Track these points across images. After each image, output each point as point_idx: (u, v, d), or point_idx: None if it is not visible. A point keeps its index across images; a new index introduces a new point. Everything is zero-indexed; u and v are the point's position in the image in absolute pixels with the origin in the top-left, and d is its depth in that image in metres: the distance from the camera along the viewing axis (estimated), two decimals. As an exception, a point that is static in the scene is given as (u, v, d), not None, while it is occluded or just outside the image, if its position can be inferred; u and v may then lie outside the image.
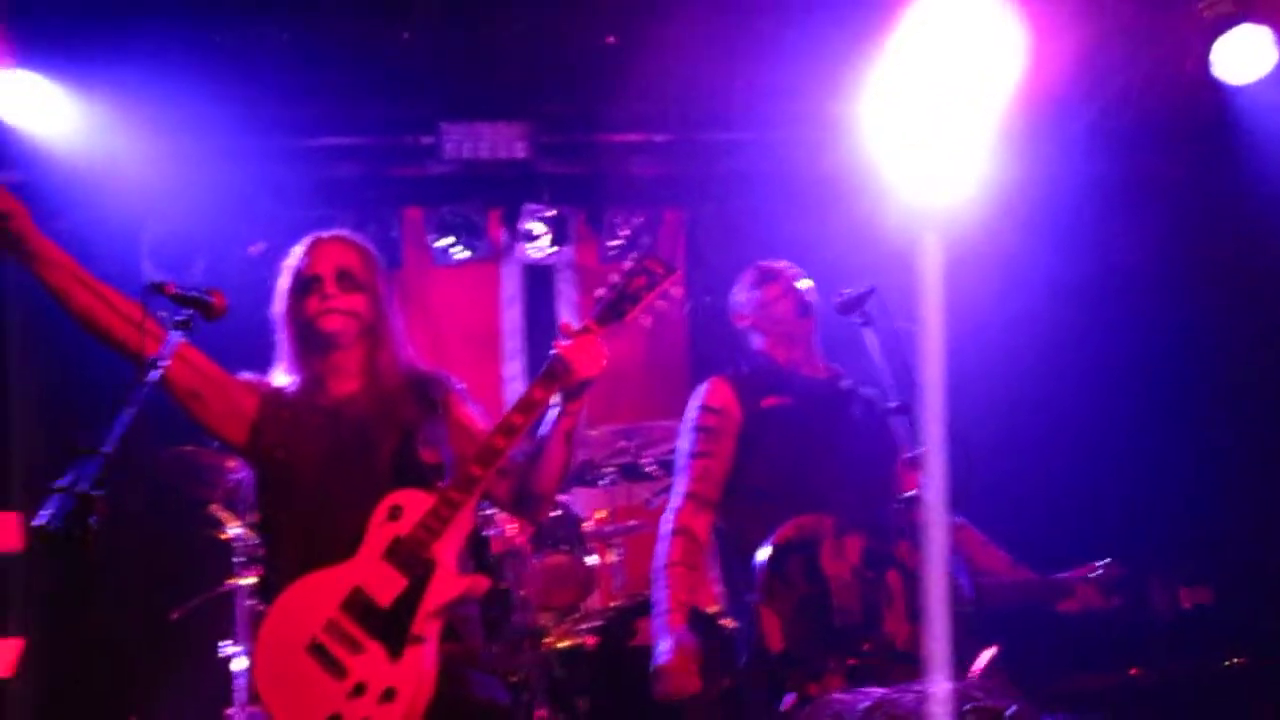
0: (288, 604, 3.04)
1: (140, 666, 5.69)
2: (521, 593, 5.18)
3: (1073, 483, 5.77)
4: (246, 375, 3.31)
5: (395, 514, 3.02)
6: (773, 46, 6.10)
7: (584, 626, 5.32)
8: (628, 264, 3.22)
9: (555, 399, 3.13)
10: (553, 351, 3.10)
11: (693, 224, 7.01)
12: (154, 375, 2.67)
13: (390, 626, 2.91)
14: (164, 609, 5.37)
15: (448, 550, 2.99)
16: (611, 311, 3.15)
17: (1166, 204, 6.31)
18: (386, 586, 2.94)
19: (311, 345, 3.27)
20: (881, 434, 3.73)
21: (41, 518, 2.28)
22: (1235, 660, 5.53)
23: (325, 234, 3.40)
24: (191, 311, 2.84)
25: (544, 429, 3.17)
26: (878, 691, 2.96)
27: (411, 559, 2.96)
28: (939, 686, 2.28)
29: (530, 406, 3.06)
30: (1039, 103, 5.55)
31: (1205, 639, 5.67)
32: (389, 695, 2.86)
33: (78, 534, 2.28)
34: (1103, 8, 5.54)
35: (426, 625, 2.92)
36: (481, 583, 3.05)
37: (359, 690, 2.87)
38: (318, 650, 2.92)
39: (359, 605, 2.94)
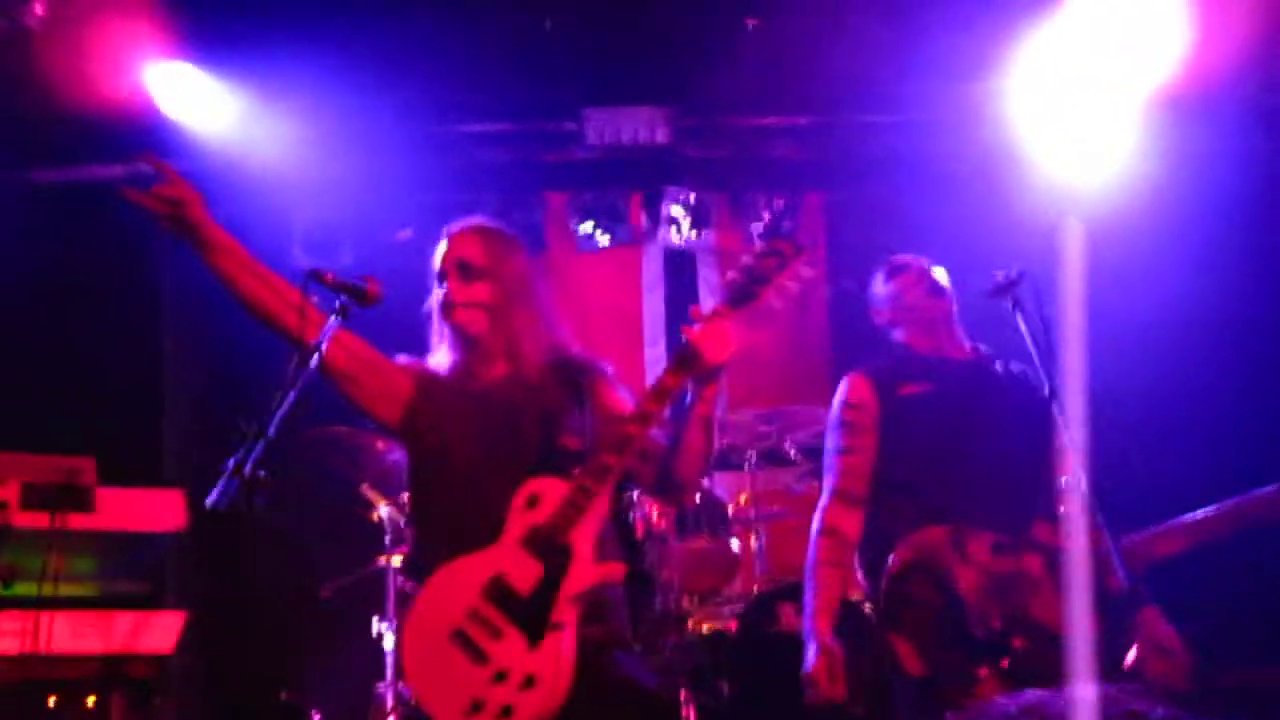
0: (433, 590, 3.09)
1: (293, 642, 5.86)
2: (664, 576, 5.21)
3: (1224, 470, 5.56)
4: (402, 358, 3.37)
5: (533, 502, 3.05)
6: (915, 27, 6.02)
7: (726, 610, 5.33)
8: (759, 245, 3.18)
9: (690, 385, 3.13)
10: (682, 337, 3.09)
11: (834, 207, 6.96)
12: (315, 360, 2.74)
13: (529, 614, 2.94)
14: (316, 586, 5.52)
15: (584, 538, 3.01)
16: (742, 294, 3.10)
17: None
18: (525, 574, 2.98)
19: (451, 336, 3.34)
20: (1033, 412, 3.65)
21: (211, 498, 2.37)
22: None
23: (455, 226, 3.42)
24: (348, 298, 2.90)
25: (682, 415, 3.17)
26: (1028, 696, 2.91)
27: (548, 547, 2.98)
28: (1085, 690, 2.23)
29: (663, 394, 3.05)
30: (1196, 81, 5.39)
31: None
32: (529, 682, 2.89)
33: (245, 514, 2.36)
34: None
35: (565, 612, 2.94)
36: (618, 569, 3.06)
37: (500, 677, 2.91)
38: (460, 637, 2.97)
39: (499, 592, 2.97)
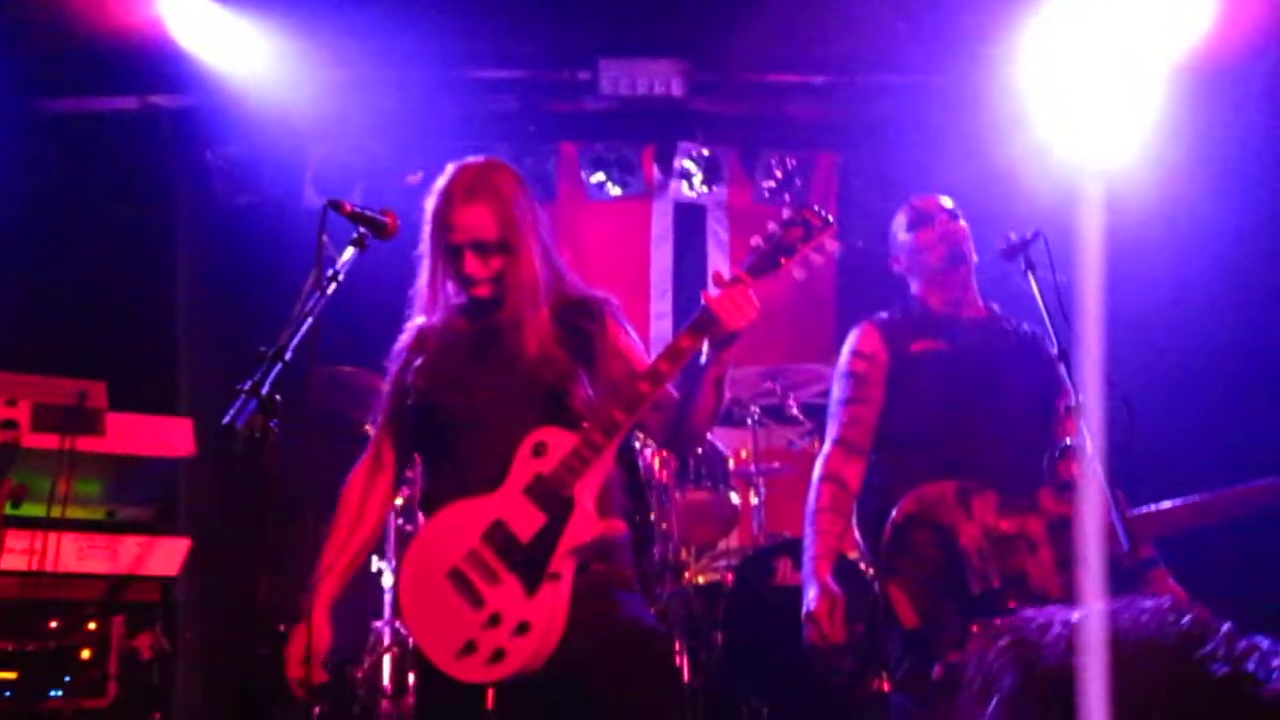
0: (434, 530, 3.10)
1: (293, 575, 5.88)
2: (664, 526, 5.24)
3: (1242, 438, 5.54)
4: (402, 338, 3.35)
5: (539, 450, 3.03)
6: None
7: (722, 563, 5.37)
8: (785, 213, 3.13)
9: (705, 347, 3.10)
10: (701, 301, 3.04)
11: (847, 167, 6.96)
12: (332, 287, 2.75)
13: (528, 561, 2.94)
14: (317, 522, 5.54)
15: (587, 491, 3.00)
16: (765, 262, 3.06)
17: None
18: (527, 522, 2.97)
19: (462, 295, 3.28)
20: (1042, 374, 3.66)
21: (228, 417, 2.38)
22: None
23: (461, 182, 3.26)
24: (365, 230, 2.90)
25: (696, 374, 3.16)
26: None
27: (551, 498, 2.98)
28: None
29: (677, 355, 3.02)
30: (1219, 51, 5.37)
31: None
32: (522, 629, 2.90)
33: (259, 436, 2.37)
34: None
35: (563, 563, 2.94)
36: (618, 526, 3.05)
37: (494, 621, 2.92)
38: (458, 578, 2.98)
39: (499, 538, 2.97)
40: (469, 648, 2.92)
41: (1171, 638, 1.21)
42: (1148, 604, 1.24)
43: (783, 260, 3.07)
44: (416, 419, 3.28)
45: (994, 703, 1.25)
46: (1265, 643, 1.22)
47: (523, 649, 2.89)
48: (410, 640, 3.07)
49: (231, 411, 2.39)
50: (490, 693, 3.02)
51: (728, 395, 3.22)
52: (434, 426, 3.24)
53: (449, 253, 3.24)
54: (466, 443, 3.17)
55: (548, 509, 2.98)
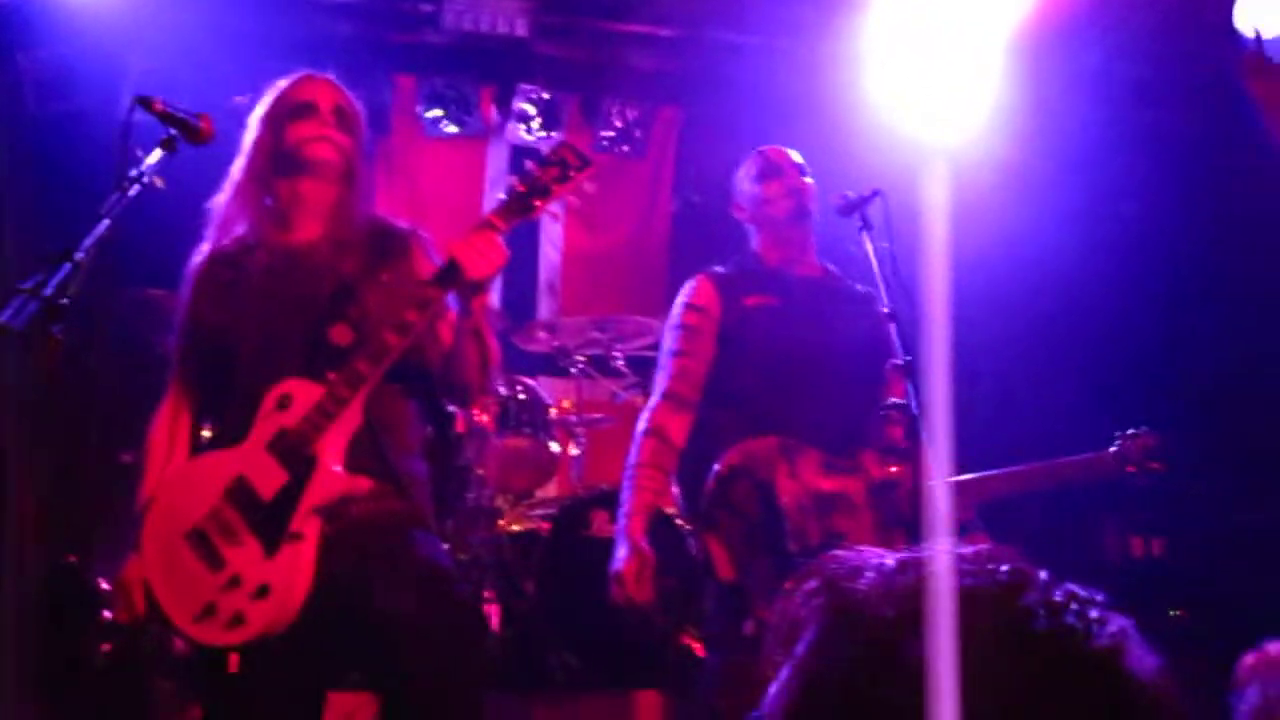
0: (175, 485, 2.96)
1: (90, 505, 5.61)
2: (480, 471, 5.13)
3: (1066, 412, 5.64)
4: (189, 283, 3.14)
5: (284, 404, 2.89)
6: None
7: (539, 512, 5.29)
8: (545, 151, 3.02)
9: (455, 298, 2.93)
10: (447, 249, 2.90)
11: (687, 121, 6.90)
12: (133, 189, 2.57)
13: (269, 521, 2.81)
14: (118, 451, 5.29)
15: (331, 447, 2.85)
16: (519, 205, 2.91)
17: (1177, 156, 6.21)
18: (268, 479, 2.83)
19: (285, 170, 3.07)
20: (872, 335, 3.64)
21: (4, 316, 2.18)
22: (1177, 612, 5.56)
23: (317, 74, 3.19)
24: (177, 131, 2.72)
25: (458, 324, 2.99)
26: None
27: (293, 454, 2.83)
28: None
29: (423, 304, 2.85)
30: (1049, 36, 5.43)
31: (1153, 589, 5.70)
32: (262, 592, 2.77)
33: (39, 339, 2.19)
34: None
35: (305, 523, 2.81)
36: (362, 484, 2.91)
37: (234, 583, 2.79)
38: (198, 538, 2.85)
39: (241, 495, 2.84)
40: (208, 610, 2.80)
41: (990, 585, 1.15)
42: (966, 551, 1.18)
43: (537, 203, 2.94)
44: (200, 356, 3.12)
45: (800, 648, 1.18)
46: (1081, 592, 1.17)
47: (263, 612, 2.78)
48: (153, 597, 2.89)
49: (9, 311, 2.19)
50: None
51: (494, 345, 3.06)
52: (211, 367, 3.08)
53: (296, 117, 3.08)
54: (233, 387, 3.00)
55: (290, 466, 2.84)
